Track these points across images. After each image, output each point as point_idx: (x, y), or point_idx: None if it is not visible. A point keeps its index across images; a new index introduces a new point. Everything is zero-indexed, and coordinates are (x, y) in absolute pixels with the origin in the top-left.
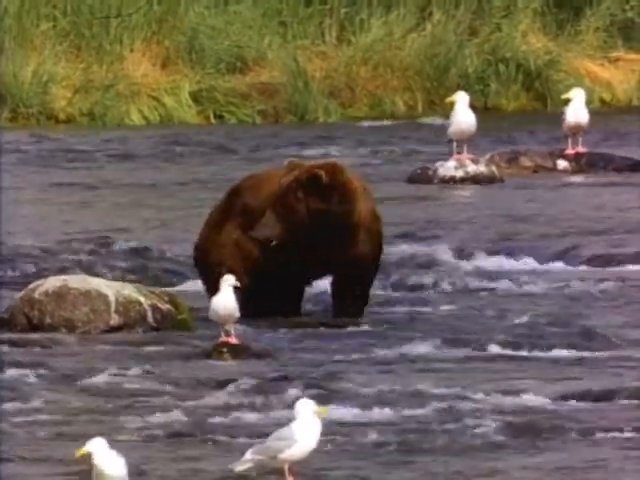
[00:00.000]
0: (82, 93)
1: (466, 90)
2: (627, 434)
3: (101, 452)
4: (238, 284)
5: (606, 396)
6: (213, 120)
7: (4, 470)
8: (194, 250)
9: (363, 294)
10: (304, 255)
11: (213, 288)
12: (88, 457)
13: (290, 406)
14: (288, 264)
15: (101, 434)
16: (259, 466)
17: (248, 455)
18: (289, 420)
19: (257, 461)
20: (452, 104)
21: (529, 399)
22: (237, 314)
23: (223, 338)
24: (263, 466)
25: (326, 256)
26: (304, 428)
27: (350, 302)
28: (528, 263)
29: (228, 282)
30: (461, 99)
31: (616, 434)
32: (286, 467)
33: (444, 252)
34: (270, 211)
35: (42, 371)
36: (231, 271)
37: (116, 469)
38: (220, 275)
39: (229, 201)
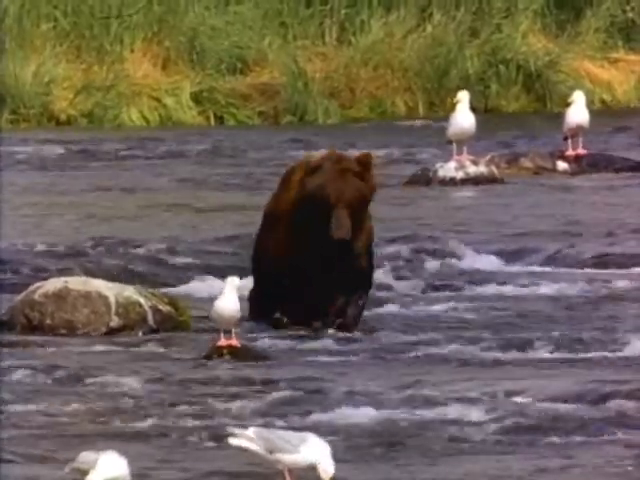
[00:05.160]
0: (83, 94)
1: (465, 91)
2: (627, 434)
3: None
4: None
5: (607, 396)
6: (213, 121)
7: (4, 471)
8: None
9: None
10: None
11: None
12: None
13: (290, 409)
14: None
15: (100, 436)
16: (257, 457)
17: (251, 434)
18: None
19: (257, 453)
20: (454, 105)
21: (529, 399)
22: (238, 316)
23: (223, 341)
24: (262, 460)
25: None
26: (315, 445)
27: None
28: (528, 264)
29: (232, 283)
30: (464, 99)
31: (616, 434)
32: (286, 469)
33: (444, 253)
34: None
35: (42, 373)
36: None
37: (119, 470)
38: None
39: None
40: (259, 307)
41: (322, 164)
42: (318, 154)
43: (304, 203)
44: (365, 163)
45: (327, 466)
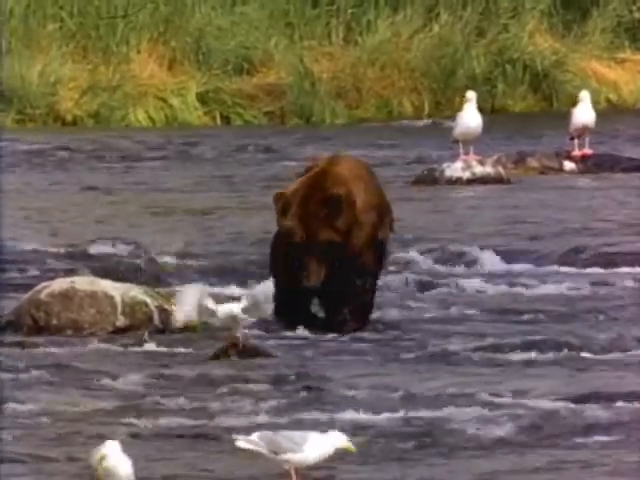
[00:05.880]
0: (89, 94)
1: (473, 91)
2: (628, 434)
3: (114, 455)
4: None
5: (607, 396)
6: (219, 121)
7: (9, 470)
8: None
9: None
10: None
11: None
12: (100, 459)
13: (294, 408)
14: None
15: (107, 435)
16: (263, 458)
17: (256, 437)
18: (296, 422)
19: (263, 454)
20: (461, 104)
21: (529, 399)
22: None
23: (229, 340)
24: (269, 461)
25: None
26: (318, 441)
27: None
28: (534, 264)
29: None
30: (472, 99)
31: (617, 435)
32: (293, 469)
33: (450, 253)
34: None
35: (48, 372)
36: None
37: (124, 470)
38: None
39: None
40: (277, 306)
41: (291, 203)
42: (323, 156)
43: (279, 240)
44: (335, 206)
45: (344, 441)
